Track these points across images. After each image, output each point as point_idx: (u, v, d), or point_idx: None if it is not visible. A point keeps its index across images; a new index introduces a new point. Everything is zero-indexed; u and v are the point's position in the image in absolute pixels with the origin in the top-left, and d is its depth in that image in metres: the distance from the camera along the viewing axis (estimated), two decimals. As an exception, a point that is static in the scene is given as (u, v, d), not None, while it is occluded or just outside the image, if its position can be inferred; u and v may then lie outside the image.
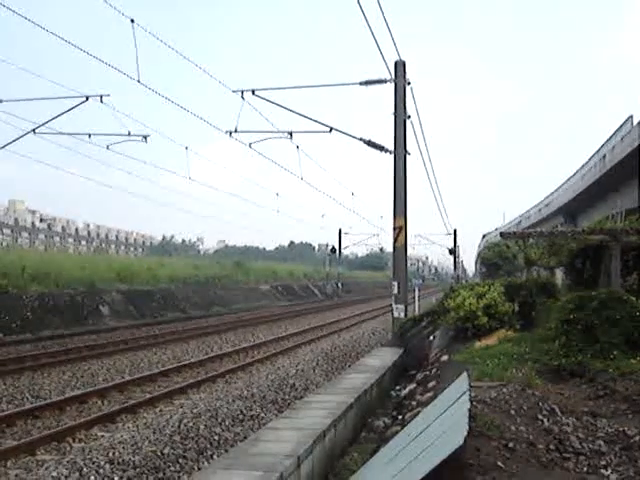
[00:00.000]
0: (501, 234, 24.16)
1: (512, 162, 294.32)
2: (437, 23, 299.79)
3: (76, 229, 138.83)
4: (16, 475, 9.66)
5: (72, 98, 23.45)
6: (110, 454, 9.77)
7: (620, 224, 21.01)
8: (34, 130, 24.22)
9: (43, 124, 24.25)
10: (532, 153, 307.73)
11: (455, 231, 72.76)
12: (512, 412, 7.61)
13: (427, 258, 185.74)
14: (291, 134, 23.43)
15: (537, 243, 23.24)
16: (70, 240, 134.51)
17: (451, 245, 74.47)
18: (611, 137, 34.55)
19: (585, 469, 6.08)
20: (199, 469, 9.48)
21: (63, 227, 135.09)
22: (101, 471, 9.13)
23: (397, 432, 8.92)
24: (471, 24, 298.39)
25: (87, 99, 22.84)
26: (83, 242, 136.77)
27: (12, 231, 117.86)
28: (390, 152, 20.81)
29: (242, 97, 21.33)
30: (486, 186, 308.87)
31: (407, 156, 20.90)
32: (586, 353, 11.16)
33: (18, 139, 24.34)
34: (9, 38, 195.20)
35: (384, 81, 20.69)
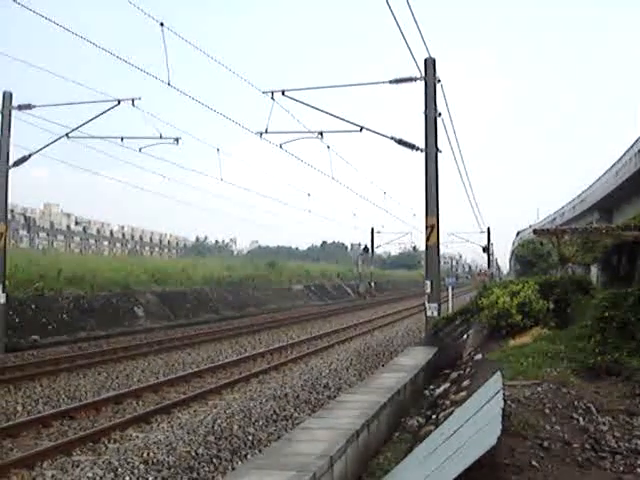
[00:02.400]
0: (534, 231, 23.99)
1: (547, 159, 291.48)
2: (472, 18, 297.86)
3: (111, 231, 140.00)
4: (52, 476, 9.79)
5: (104, 102, 23.69)
6: (145, 454, 9.85)
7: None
8: (67, 134, 24.44)
9: (76, 128, 24.47)
10: (568, 149, 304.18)
11: (488, 229, 72.14)
12: (547, 411, 7.53)
13: (460, 256, 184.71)
14: (322, 134, 23.37)
15: (571, 240, 22.99)
16: (105, 243, 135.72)
17: (484, 243, 73.90)
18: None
19: (621, 468, 5.99)
20: (233, 469, 9.51)
21: (98, 230, 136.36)
22: (136, 471, 9.21)
23: (431, 432, 8.87)
24: (509, 17, 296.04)
25: (119, 103, 23.03)
26: (118, 244, 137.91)
27: (48, 234, 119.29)
28: (421, 150, 20.68)
29: (272, 98, 21.34)
30: (520, 183, 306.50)
31: (438, 154, 20.76)
32: (622, 351, 10.99)
33: (52, 143, 24.59)
34: (41, 44, 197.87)
35: (414, 79, 20.57)
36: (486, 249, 73.11)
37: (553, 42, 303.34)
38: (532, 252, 52.23)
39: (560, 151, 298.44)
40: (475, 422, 6.60)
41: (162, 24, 17.98)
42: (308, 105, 21.62)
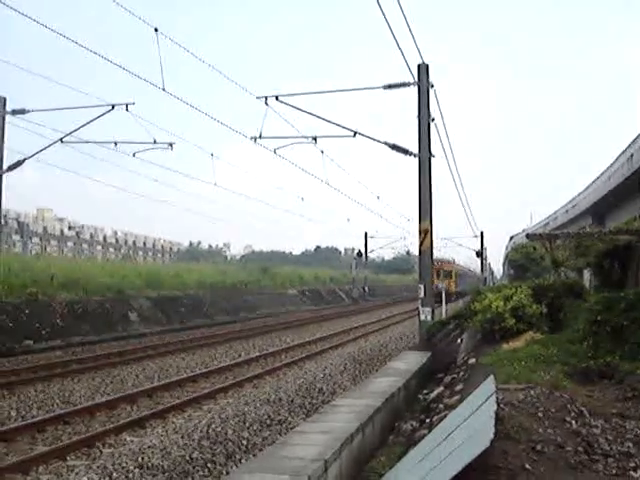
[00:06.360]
0: (527, 235, 24.12)
1: (540, 163, 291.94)
2: (463, 23, 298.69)
3: (104, 236, 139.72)
4: (47, 480, 9.81)
5: (98, 107, 23.71)
6: (139, 459, 9.87)
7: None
8: (61, 139, 24.46)
9: (70, 133, 24.50)
10: (560, 154, 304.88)
11: (482, 233, 72.34)
12: (540, 414, 7.56)
13: (454, 261, 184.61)
14: (315, 139, 23.43)
15: (564, 244, 23.08)
16: (98, 247, 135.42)
17: (478, 247, 74.07)
18: (638, 136, 34.19)
19: (614, 471, 6.04)
20: (227, 473, 9.53)
21: (91, 234, 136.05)
22: (130, 476, 9.23)
23: (425, 435, 8.91)
24: (498, 24, 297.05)
25: (113, 108, 23.05)
26: (111, 249, 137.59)
27: (41, 239, 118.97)
28: (414, 155, 20.75)
29: (266, 103, 21.40)
30: (514, 188, 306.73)
31: (432, 159, 20.84)
32: (614, 354, 11.07)
33: (46, 148, 24.61)
34: (34, 49, 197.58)
35: (407, 84, 20.66)
36: (480, 254, 73.30)
37: (548, 47, 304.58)
38: (525, 256, 52.35)
39: (554, 156, 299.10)
40: (468, 425, 6.65)
41: (156, 29, 18.07)
42: (302, 110, 21.71)
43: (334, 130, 22.56)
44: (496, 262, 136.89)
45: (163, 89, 19.73)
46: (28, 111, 24.27)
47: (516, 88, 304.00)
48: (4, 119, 24.38)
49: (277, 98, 21.44)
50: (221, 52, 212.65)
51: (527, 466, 5.99)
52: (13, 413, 14.35)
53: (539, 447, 6.45)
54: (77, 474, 9.40)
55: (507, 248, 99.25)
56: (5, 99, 24.60)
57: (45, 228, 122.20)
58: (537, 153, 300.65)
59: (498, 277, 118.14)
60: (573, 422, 7.33)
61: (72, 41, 18.65)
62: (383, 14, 15.85)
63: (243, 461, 10.29)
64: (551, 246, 23.31)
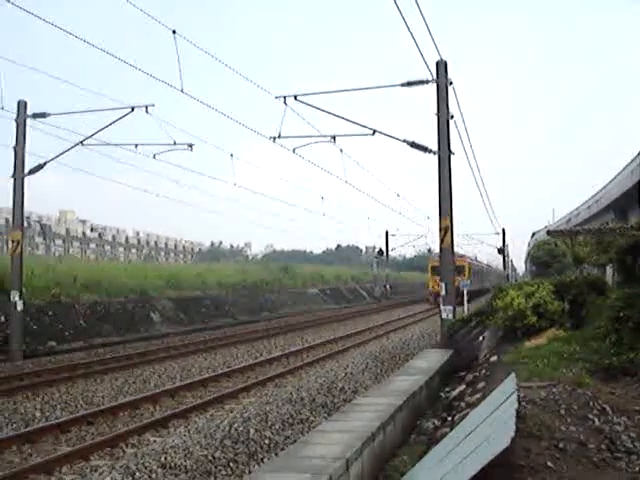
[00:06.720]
0: (548, 232, 23.97)
1: (563, 159, 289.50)
2: (480, 20, 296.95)
3: (126, 237, 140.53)
4: (71, 480, 9.90)
5: (118, 109, 23.85)
6: (162, 459, 9.92)
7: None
8: (82, 142, 24.63)
9: (91, 136, 24.64)
10: (585, 149, 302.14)
11: (504, 230, 72.00)
12: (562, 412, 7.53)
13: (476, 258, 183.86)
14: (334, 138, 23.41)
15: (585, 240, 22.89)
16: (120, 249, 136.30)
17: (500, 244, 73.74)
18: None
19: (637, 468, 6.01)
20: (249, 472, 9.55)
21: (113, 236, 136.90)
22: (153, 475, 9.28)
23: (446, 433, 8.90)
24: (518, 22, 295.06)
25: (132, 110, 23.18)
26: (133, 250, 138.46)
27: (64, 241, 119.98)
28: (434, 153, 20.69)
29: (285, 103, 21.41)
30: (536, 184, 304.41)
31: (451, 156, 20.76)
32: (637, 351, 10.96)
33: (67, 151, 24.78)
34: (52, 52, 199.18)
35: (426, 82, 20.57)
36: (501, 250, 72.94)
37: (569, 41, 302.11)
38: (548, 253, 52.04)
39: (577, 151, 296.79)
40: (490, 423, 6.63)
41: (174, 31, 18.11)
42: (320, 109, 21.71)
43: (353, 129, 22.55)
44: (518, 259, 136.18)
45: (182, 90, 19.81)
46: (48, 115, 24.48)
47: (542, 81, 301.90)
48: (25, 123, 24.58)
49: (296, 98, 21.45)
50: (239, 52, 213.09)
51: (549, 464, 5.97)
52: (37, 414, 14.47)
53: (562, 445, 6.43)
54: (100, 474, 9.46)
55: (529, 245, 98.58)
56: (26, 103, 24.79)
57: (67, 230, 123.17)
58: (558, 149, 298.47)
59: (520, 274, 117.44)
60: (596, 419, 7.29)
61: (90, 44, 18.72)
62: (400, 12, 15.76)
63: (265, 460, 10.31)
64: (572, 242, 23.15)
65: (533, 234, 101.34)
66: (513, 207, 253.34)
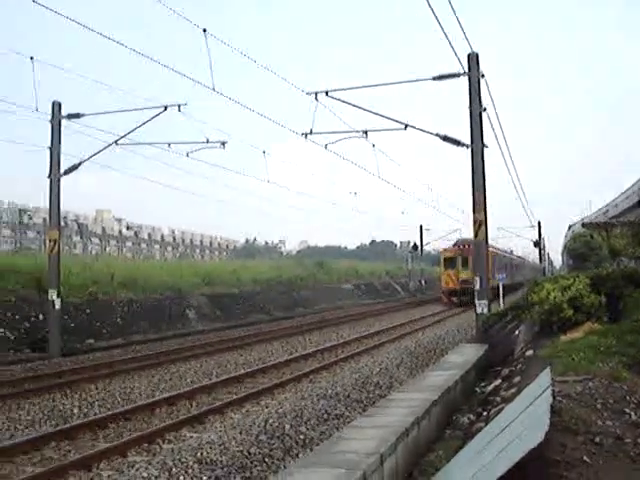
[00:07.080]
0: (583, 224, 23.67)
1: (601, 150, 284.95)
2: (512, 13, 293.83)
3: (162, 236, 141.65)
4: (108, 476, 10.03)
5: (151, 109, 24.06)
6: (198, 454, 9.98)
7: None
8: (116, 142, 24.90)
9: (125, 135, 24.92)
10: (622, 140, 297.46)
11: (539, 223, 71.31)
12: (598, 406, 7.45)
13: (511, 252, 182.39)
14: (366, 133, 23.39)
15: (621, 233, 22.58)
16: (156, 247, 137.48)
17: (535, 237, 73.06)
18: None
19: (674, 463, 5.92)
20: (284, 467, 9.59)
21: (149, 234, 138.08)
22: (190, 471, 9.34)
23: (482, 428, 8.85)
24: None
25: (165, 109, 23.40)
26: (169, 248, 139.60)
27: (100, 240, 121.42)
28: (467, 146, 20.58)
29: (316, 99, 21.43)
30: (574, 176, 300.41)
31: (484, 149, 20.63)
32: (675, 345, 10.81)
33: (101, 151, 25.07)
34: (85, 53, 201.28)
35: (457, 75, 20.46)
36: (537, 243, 72.23)
37: (606, 33, 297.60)
38: (585, 245, 51.37)
39: (615, 142, 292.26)
40: (525, 418, 6.57)
41: (205, 30, 18.21)
42: (351, 105, 21.70)
43: (385, 123, 22.53)
44: (555, 252, 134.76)
45: (213, 89, 19.92)
46: (83, 115, 24.79)
47: (578, 72, 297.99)
48: (60, 123, 24.91)
49: (327, 93, 21.46)
50: (270, 49, 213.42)
51: (585, 458, 5.90)
52: (76, 411, 14.67)
53: (598, 439, 6.35)
54: (137, 470, 9.56)
55: (566, 237, 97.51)
56: (60, 104, 25.13)
57: (104, 229, 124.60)
58: (595, 140, 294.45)
59: (557, 267, 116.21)
60: (632, 413, 7.20)
61: (122, 44, 18.86)
62: (429, 5, 15.65)
63: (300, 455, 10.34)
64: (608, 235, 22.85)
65: (570, 227, 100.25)
66: (550, 200, 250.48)
